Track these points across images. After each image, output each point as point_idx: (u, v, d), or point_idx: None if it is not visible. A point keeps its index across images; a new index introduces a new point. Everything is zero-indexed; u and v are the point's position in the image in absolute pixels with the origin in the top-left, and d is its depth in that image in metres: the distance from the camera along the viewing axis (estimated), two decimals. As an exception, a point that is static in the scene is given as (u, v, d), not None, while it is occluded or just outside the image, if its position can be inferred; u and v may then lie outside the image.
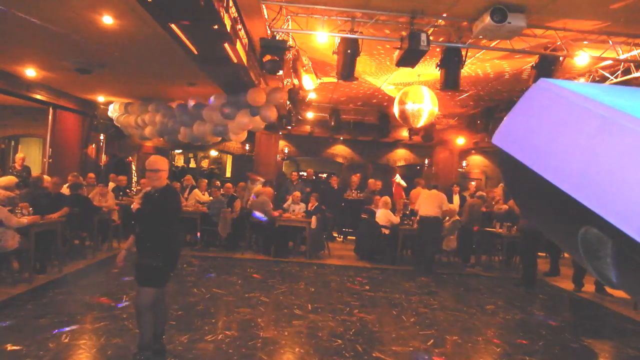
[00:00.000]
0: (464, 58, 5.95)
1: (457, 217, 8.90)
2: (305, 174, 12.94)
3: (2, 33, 6.37)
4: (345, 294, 6.33)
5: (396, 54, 5.76)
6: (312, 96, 10.24)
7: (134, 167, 12.91)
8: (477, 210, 9.00)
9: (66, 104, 11.11)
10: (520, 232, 7.99)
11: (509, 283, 7.81)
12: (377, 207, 9.10)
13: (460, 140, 12.67)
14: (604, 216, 0.78)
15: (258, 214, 8.49)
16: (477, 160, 15.26)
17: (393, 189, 11.78)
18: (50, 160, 10.65)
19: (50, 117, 10.72)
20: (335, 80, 8.22)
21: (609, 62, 6.38)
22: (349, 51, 5.73)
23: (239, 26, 5.51)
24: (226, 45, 5.23)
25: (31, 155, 11.87)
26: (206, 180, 10.64)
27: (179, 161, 17.63)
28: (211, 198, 9.33)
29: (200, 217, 8.76)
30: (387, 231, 8.75)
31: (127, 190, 10.40)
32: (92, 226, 7.44)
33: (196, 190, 9.77)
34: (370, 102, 11.20)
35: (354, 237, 10.46)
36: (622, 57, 5.95)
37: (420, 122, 8.27)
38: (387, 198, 9.15)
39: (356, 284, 7.00)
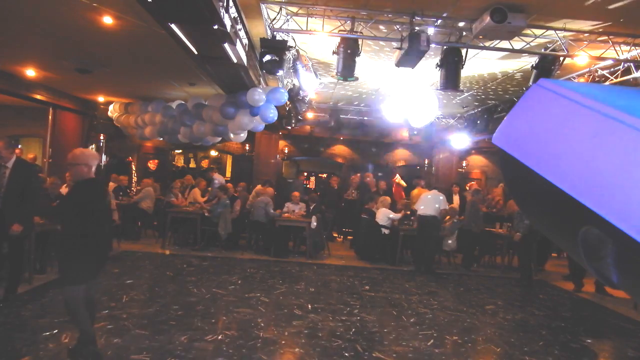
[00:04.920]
0: (464, 58, 5.95)
1: (457, 217, 8.87)
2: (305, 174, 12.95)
3: (2, 33, 6.37)
4: (345, 294, 6.33)
5: (396, 54, 5.75)
6: (312, 96, 10.23)
7: (133, 167, 12.92)
8: (475, 208, 8.87)
9: (66, 104, 11.11)
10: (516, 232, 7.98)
11: (509, 283, 7.81)
12: (377, 207, 9.10)
13: (460, 140, 12.62)
14: (604, 216, 0.78)
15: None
16: (477, 160, 15.23)
17: (393, 189, 11.77)
18: (50, 160, 10.64)
19: (50, 117, 10.72)
20: (335, 80, 8.21)
21: (609, 62, 6.37)
22: (348, 51, 5.73)
23: (239, 26, 5.50)
24: (226, 45, 5.23)
25: (31, 155, 11.84)
26: (205, 182, 10.62)
27: (179, 161, 17.58)
28: (204, 199, 9.34)
29: (200, 217, 8.76)
30: (387, 231, 8.75)
31: (128, 190, 10.38)
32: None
33: (196, 190, 9.77)
34: (370, 102, 11.19)
35: (354, 237, 10.47)
36: (622, 57, 5.95)
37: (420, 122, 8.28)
38: (386, 197, 9.14)
39: (356, 284, 7.00)
